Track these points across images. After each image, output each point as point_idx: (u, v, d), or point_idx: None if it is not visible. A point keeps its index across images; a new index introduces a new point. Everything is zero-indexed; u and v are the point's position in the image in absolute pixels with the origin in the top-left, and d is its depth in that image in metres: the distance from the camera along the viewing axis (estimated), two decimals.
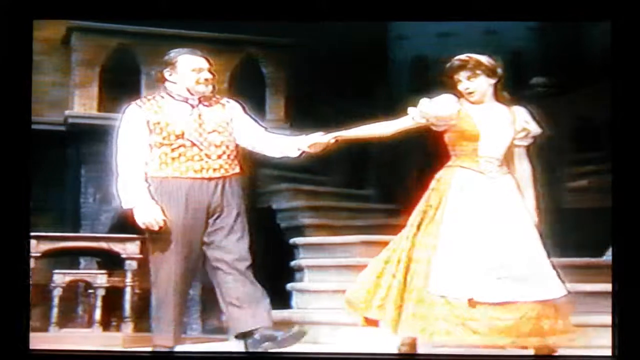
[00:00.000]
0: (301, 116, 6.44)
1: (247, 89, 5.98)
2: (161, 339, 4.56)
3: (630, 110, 4.69)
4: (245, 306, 4.54)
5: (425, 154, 5.10)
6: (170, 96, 4.63)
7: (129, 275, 5.77)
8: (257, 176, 6.23)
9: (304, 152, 4.69)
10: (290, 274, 5.97)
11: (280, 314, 5.11)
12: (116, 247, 5.79)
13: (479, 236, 4.50)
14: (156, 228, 4.47)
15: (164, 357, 4.54)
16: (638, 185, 4.65)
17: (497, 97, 4.69)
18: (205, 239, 4.57)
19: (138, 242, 5.66)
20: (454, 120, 4.62)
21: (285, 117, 6.54)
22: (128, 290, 5.76)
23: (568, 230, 5.72)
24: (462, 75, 4.61)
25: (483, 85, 4.62)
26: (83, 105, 6.73)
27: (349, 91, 7.08)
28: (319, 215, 6.27)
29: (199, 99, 4.63)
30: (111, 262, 5.94)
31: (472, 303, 4.42)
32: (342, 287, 4.71)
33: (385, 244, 4.71)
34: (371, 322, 4.65)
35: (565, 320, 4.50)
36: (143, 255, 5.39)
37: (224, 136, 4.63)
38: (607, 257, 5.33)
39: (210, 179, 4.56)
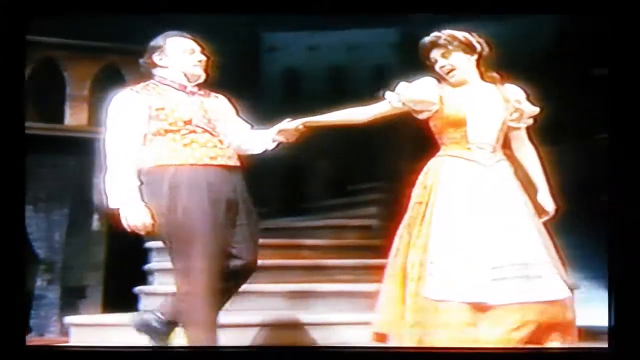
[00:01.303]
0: None
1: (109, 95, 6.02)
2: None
3: (628, 106, 4.51)
4: None
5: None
6: (163, 83, 4.34)
7: None
8: None
9: (279, 142, 4.46)
10: (144, 277, 5.97)
11: None
12: None
13: (474, 231, 4.21)
14: (143, 232, 4.20)
15: (162, 352, 4.41)
16: (636, 184, 4.46)
17: (484, 76, 4.42)
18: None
19: None
20: (435, 105, 4.34)
21: None
22: None
23: None
24: (436, 54, 4.35)
25: (461, 62, 4.34)
26: None
27: None
28: None
29: (196, 86, 4.37)
30: None
31: (472, 306, 4.14)
32: None
33: None
34: (380, 337, 4.37)
35: (567, 323, 4.24)
36: None
37: (227, 126, 4.40)
38: None
39: (226, 166, 4.28)
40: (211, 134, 4.28)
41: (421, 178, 4.36)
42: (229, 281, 4.27)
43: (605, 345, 4.33)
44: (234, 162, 4.32)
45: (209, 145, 4.25)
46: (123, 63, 6.33)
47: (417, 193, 4.34)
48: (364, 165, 7.57)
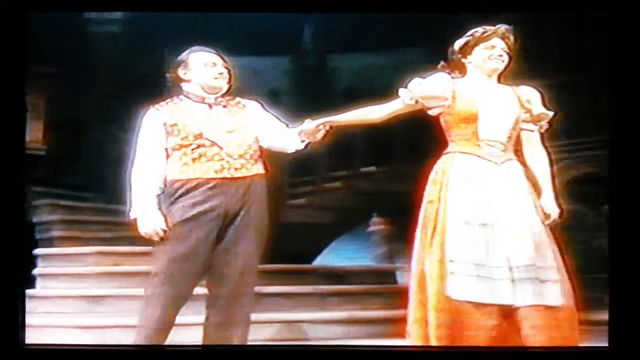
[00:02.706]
0: (62, 139, 6.85)
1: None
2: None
3: (628, 104, 4.51)
4: None
5: None
6: (187, 97, 4.52)
7: None
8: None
9: (308, 143, 4.54)
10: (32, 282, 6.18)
11: None
12: None
13: (489, 230, 4.15)
14: (156, 239, 4.37)
15: (160, 351, 4.42)
16: (636, 184, 4.47)
17: (500, 77, 4.39)
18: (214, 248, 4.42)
19: None
20: (447, 100, 4.32)
21: (42, 140, 6.78)
22: None
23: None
24: (498, 41, 4.30)
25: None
26: None
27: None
28: (72, 228, 6.59)
29: (216, 98, 4.52)
30: None
31: (496, 308, 4.07)
32: (71, 294, 5.25)
33: (120, 254, 5.25)
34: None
35: (568, 329, 4.17)
36: None
37: (244, 136, 4.48)
38: None
39: (232, 178, 4.41)
40: (219, 146, 4.39)
41: (432, 176, 4.31)
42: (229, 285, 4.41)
43: (605, 344, 4.37)
44: (244, 172, 4.42)
45: (215, 159, 4.38)
46: None
47: (428, 191, 4.29)
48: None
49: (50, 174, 6.82)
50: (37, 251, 6.23)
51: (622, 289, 4.43)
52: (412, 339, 4.22)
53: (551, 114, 4.36)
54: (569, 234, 5.41)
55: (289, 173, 6.85)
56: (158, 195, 4.43)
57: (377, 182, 7.61)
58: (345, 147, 6.84)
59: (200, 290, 4.48)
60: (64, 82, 6.46)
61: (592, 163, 6.50)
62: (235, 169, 4.42)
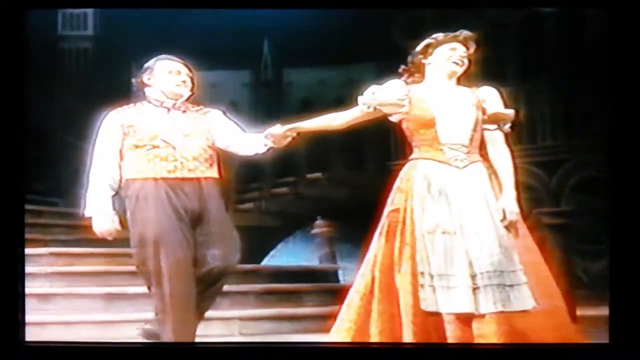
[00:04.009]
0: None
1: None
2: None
3: (628, 103, 4.49)
4: None
5: None
6: (149, 102, 4.59)
7: None
8: None
9: (270, 147, 4.55)
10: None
11: None
12: None
13: (452, 238, 4.07)
14: (110, 238, 4.47)
15: (160, 348, 4.49)
16: (636, 184, 4.46)
17: (459, 80, 4.34)
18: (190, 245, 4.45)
19: None
20: (404, 107, 4.25)
21: None
22: None
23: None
24: (460, 46, 4.27)
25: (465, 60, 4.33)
26: None
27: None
28: (33, 231, 6.62)
29: (174, 104, 4.58)
30: None
31: (458, 317, 3.98)
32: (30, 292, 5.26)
33: (73, 255, 5.50)
34: None
35: (553, 334, 4.05)
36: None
37: (200, 140, 4.55)
38: None
39: (184, 179, 4.48)
40: (173, 147, 4.47)
41: (397, 183, 4.25)
42: (203, 285, 4.50)
43: (606, 341, 4.35)
44: (198, 174, 4.51)
45: (169, 160, 4.46)
46: None
47: (392, 199, 4.23)
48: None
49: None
50: (29, 251, 6.25)
51: (623, 285, 4.39)
52: None
53: (510, 112, 4.29)
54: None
55: (238, 179, 7.05)
56: (113, 197, 4.47)
57: (322, 188, 7.93)
58: (290, 155, 7.14)
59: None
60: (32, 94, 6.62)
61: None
62: (189, 170, 4.47)
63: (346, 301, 4.17)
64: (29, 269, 5.97)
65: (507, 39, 6.93)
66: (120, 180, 4.50)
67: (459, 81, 4.34)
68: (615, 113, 4.50)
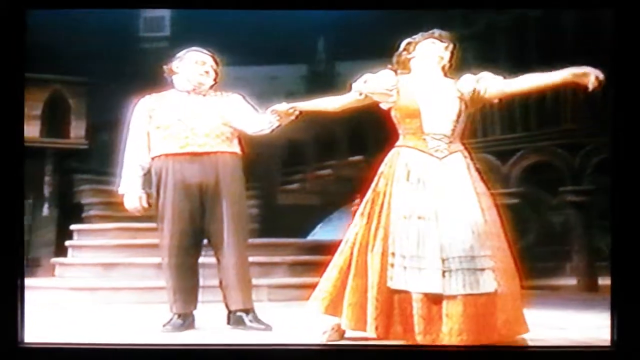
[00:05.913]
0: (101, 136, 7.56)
1: (57, 115, 7.27)
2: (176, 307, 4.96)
3: (633, 102, 4.62)
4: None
5: None
6: (174, 88, 5.05)
7: None
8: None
9: (275, 126, 4.92)
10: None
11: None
12: None
13: (427, 223, 4.29)
14: (137, 214, 4.93)
15: (161, 349, 4.70)
16: (637, 184, 4.59)
17: (445, 72, 4.59)
18: (203, 218, 4.91)
19: None
20: (392, 97, 4.49)
21: (85, 137, 7.63)
22: None
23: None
24: (440, 46, 4.55)
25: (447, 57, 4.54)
26: None
27: None
28: (107, 209, 7.28)
29: (195, 88, 4.97)
30: None
31: (427, 297, 4.24)
32: (98, 262, 6.35)
33: (137, 229, 6.09)
34: (340, 333, 4.55)
35: (508, 316, 4.27)
36: None
37: (213, 119, 4.95)
38: None
39: (194, 154, 4.90)
40: (185, 124, 4.90)
41: (381, 168, 4.52)
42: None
43: (608, 344, 4.55)
44: (207, 148, 4.91)
45: (180, 136, 4.88)
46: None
47: (376, 182, 4.49)
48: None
49: (92, 164, 7.56)
50: (73, 227, 7.22)
51: (625, 288, 4.55)
52: (346, 321, 4.45)
53: (499, 78, 4.50)
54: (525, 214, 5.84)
55: (282, 162, 7.57)
56: (144, 175, 4.99)
57: (360, 170, 7.99)
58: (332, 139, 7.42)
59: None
60: (98, 90, 7.18)
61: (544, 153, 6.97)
62: (199, 145, 4.90)
63: (325, 274, 4.52)
64: (97, 241, 6.95)
65: (528, 31, 6.83)
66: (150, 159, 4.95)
67: (445, 74, 4.59)
68: (616, 111, 4.63)
